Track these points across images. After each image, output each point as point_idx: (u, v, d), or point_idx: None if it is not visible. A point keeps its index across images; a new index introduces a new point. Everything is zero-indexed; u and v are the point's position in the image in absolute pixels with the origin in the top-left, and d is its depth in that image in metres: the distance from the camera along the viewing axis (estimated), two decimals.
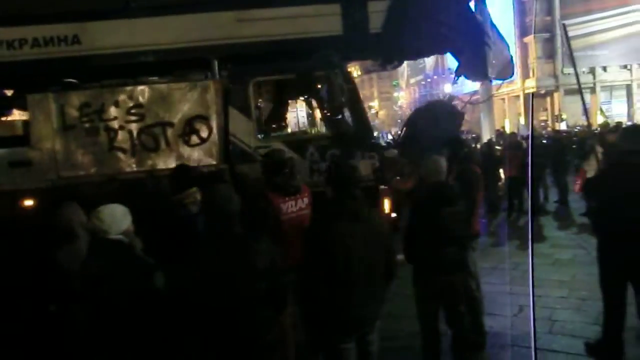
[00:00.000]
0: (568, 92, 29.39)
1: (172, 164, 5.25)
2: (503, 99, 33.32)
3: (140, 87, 5.36)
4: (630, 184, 3.93)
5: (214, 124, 5.37)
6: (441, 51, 6.64)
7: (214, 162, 5.36)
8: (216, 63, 5.72)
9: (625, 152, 4.11)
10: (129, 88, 5.35)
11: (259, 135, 5.47)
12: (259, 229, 3.18)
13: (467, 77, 6.49)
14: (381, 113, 54.91)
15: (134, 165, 5.32)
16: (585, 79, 28.77)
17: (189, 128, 5.36)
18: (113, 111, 5.31)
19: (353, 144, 5.42)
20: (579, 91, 5.81)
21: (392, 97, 54.03)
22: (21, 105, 6.01)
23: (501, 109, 32.99)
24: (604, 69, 30.69)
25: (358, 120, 5.51)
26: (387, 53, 6.29)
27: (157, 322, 2.66)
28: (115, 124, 5.32)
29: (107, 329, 2.64)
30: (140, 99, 5.33)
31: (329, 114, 5.31)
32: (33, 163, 5.27)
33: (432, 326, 3.93)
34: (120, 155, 5.32)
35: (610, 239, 4.11)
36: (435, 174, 3.99)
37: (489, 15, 6.36)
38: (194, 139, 5.37)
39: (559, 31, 29.18)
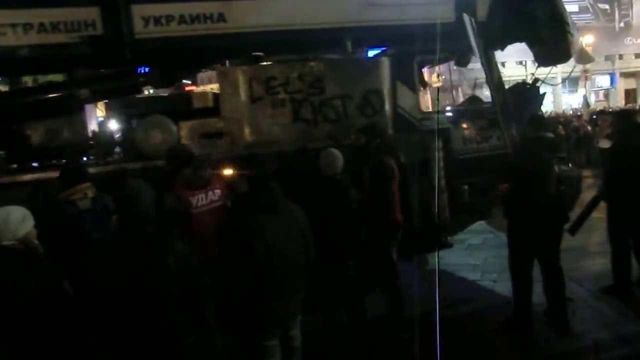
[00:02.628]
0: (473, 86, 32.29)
1: (350, 134, 5.70)
2: None
3: (322, 62, 5.71)
4: (533, 167, 4.43)
5: (385, 97, 5.87)
6: (531, 39, 7.58)
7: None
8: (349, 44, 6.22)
9: (530, 138, 4.67)
10: (312, 63, 5.67)
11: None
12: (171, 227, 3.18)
13: (546, 63, 7.43)
14: None
15: (316, 136, 5.66)
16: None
17: (364, 101, 5.81)
18: (297, 84, 5.61)
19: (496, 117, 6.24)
20: (489, 84, 6.45)
21: None
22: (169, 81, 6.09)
23: None
24: (503, 64, 34.00)
25: (499, 96, 6.33)
26: (489, 40, 7.12)
27: (60, 336, 2.52)
28: (299, 97, 5.62)
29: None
30: (322, 72, 5.68)
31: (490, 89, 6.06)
32: (224, 134, 5.42)
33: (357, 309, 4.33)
34: (304, 126, 5.64)
35: (518, 220, 4.56)
36: (330, 167, 4.23)
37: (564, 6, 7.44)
38: (369, 111, 5.83)
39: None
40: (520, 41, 7.25)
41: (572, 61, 7.15)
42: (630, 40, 35.63)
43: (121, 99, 5.67)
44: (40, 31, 5.35)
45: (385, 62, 5.89)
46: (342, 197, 4.17)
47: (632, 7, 37.72)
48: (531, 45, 7.30)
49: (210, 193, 4.08)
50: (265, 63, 5.67)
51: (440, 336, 2.84)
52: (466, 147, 6.05)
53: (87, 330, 2.58)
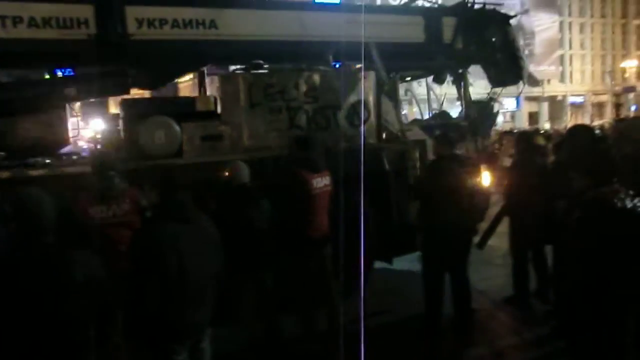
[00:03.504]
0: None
1: (339, 141, 6.06)
2: None
3: (316, 73, 6.04)
4: (442, 185, 4.70)
5: (371, 109, 6.30)
6: (488, 61, 8.32)
7: (372, 142, 6.25)
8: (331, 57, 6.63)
9: (442, 155, 4.97)
10: (306, 73, 5.98)
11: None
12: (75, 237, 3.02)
13: (500, 84, 8.22)
14: None
15: None
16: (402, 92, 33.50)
17: (352, 111, 6.20)
18: (293, 93, 5.89)
19: (467, 129, 6.87)
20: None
21: None
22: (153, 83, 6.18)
23: None
24: (419, 83, 35.87)
25: (468, 110, 6.98)
26: (454, 60, 7.80)
27: None
28: (295, 104, 5.90)
29: None
30: (316, 83, 6.01)
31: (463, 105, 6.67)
32: (223, 137, 5.58)
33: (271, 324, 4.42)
34: (299, 133, 5.92)
35: (432, 233, 4.81)
36: (238, 178, 4.30)
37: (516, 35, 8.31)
38: (356, 120, 6.22)
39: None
40: (478, 63, 7.96)
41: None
42: (533, 67, 38.83)
43: (130, 99, 5.68)
44: (30, 25, 5.28)
45: (371, 75, 6.32)
46: (253, 207, 4.21)
47: (534, 37, 41.29)
48: (486, 68, 8.05)
49: (114, 207, 3.93)
50: (264, 71, 5.89)
51: (356, 346, 2.77)
52: None
53: None
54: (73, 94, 5.95)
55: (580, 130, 5.19)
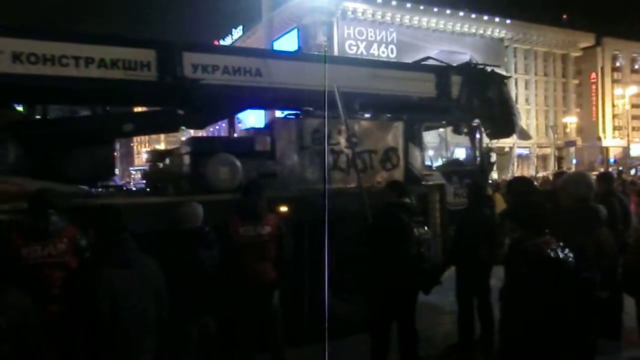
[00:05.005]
0: None
1: (375, 182, 6.69)
2: None
3: (357, 121, 6.69)
4: (394, 230, 4.74)
5: (400, 154, 6.98)
6: (487, 115, 9.22)
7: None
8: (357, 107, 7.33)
9: (391, 203, 5.01)
10: (349, 120, 6.61)
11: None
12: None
13: (496, 136, 9.11)
14: None
15: (348, 183, 6.55)
16: None
17: (385, 156, 6.86)
18: (337, 138, 6.51)
19: (478, 176, 7.64)
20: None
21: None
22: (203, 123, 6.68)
23: None
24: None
25: (482, 158, 7.78)
26: (459, 113, 8.64)
27: None
28: (337, 148, 6.52)
29: None
30: (356, 130, 6.65)
31: (473, 153, 7.47)
32: (277, 175, 6.10)
33: None
34: (340, 174, 6.52)
35: (380, 281, 4.73)
36: (191, 219, 4.21)
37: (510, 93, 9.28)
38: (388, 165, 6.88)
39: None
40: (478, 117, 8.82)
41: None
42: None
43: (199, 137, 6.10)
44: (100, 66, 5.70)
45: (400, 125, 7.03)
46: (202, 250, 4.15)
47: None
48: (484, 122, 8.93)
49: (50, 246, 3.71)
50: (312, 117, 6.50)
51: None
52: (455, 201, 7.31)
53: None
54: (130, 129, 6.38)
55: (518, 182, 5.61)
